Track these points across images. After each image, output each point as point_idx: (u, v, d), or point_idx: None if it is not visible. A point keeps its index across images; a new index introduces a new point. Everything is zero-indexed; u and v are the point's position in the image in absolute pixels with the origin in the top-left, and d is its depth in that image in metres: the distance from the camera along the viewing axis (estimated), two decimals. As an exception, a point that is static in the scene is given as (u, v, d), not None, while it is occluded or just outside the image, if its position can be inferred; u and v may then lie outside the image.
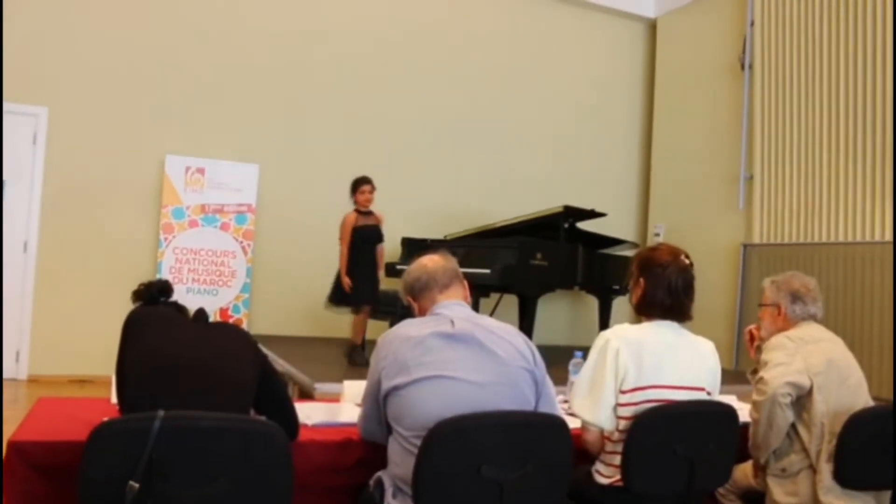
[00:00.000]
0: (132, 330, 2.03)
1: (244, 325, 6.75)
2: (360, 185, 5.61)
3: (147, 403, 1.74)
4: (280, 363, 5.31)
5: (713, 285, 7.11)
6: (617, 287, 7.06)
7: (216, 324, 2.20)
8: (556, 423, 2.08)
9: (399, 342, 2.17)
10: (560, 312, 8.14)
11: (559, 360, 5.97)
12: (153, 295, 2.25)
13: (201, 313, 2.26)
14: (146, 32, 6.71)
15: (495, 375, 2.12)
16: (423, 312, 2.36)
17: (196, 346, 2.00)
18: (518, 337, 2.26)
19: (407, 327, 2.22)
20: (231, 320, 6.68)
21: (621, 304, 7.71)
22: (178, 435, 1.63)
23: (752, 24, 7.25)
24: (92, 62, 6.53)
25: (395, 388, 2.11)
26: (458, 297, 2.33)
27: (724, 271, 7.29)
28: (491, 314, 6.71)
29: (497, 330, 2.23)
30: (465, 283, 2.41)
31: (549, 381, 2.29)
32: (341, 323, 6.82)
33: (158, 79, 6.75)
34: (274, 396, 2.17)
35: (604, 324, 7.32)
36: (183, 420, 1.65)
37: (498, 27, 8.06)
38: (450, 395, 2.05)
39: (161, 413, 1.62)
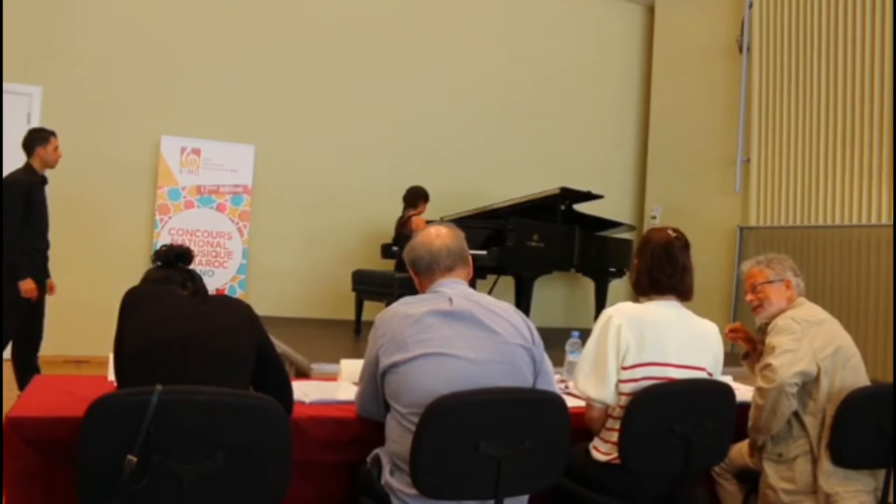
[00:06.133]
0: (130, 307, 2.02)
1: (240, 307, 6.74)
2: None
3: (145, 380, 1.74)
4: (277, 344, 5.31)
5: (709, 268, 7.10)
6: (613, 269, 7.07)
7: (215, 297, 2.19)
8: (554, 400, 2.08)
9: (397, 320, 2.16)
10: (556, 295, 8.15)
11: (556, 343, 5.98)
12: (170, 259, 2.27)
13: (200, 287, 2.25)
14: (142, 12, 6.66)
15: (493, 353, 2.12)
16: (422, 289, 2.36)
17: (194, 321, 1.99)
18: (516, 315, 2.25)
19: (405, 305, 2.21)
20: (227, 301, 6.67)
21: (617, 287, 7.74)
22: (175, 409, 1.63)
23: (751, 6, 7.21)
24: (87, 41, 6.48)
25: (393, 366, 2.10)
26: (460, 277, 2.32)
27: (720, 254, 7.29)
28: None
29: (495, 308, 2.23)
30: (470, 262, 2.39)
31: (547, 360, 2.29)
32: (337, 304, 6.84)
33: (154, 59, 6.70)
34: (270, 371, 2.17)
35: (600, 306, 7.33)
36: (181, 394, 1.64)
37: (495, 9, 8.01)
38: (448, 373, 2.05)
39: (159, 387, 1.61)
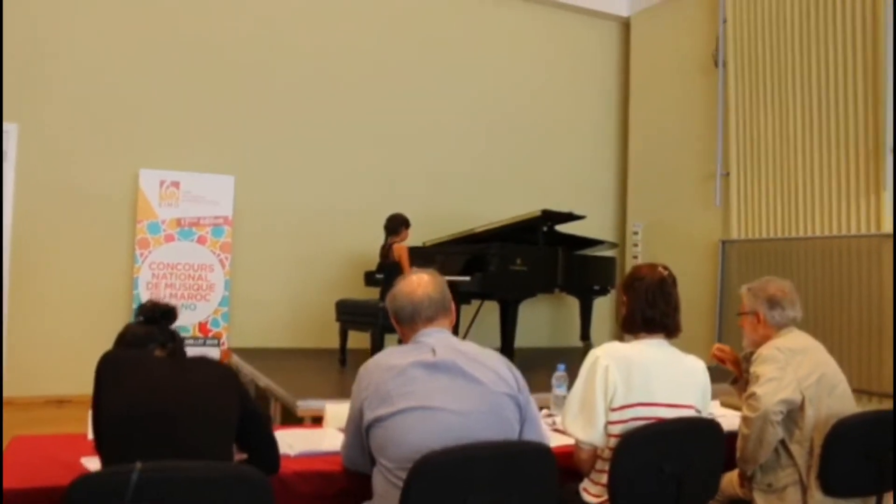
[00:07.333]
0: (105, 376, 1.98)
1: (224, 339, 6.69)
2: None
3: (125, 452, 1.71)
4: (261, 378, 5.27)
5: (693, 282, 7.11)
6: (597, 287, 7.09)
7: (194, 359, 2.16)
8: (541, 451, 2.06)
9: (380, 372, 2.14)
10: (541, 314, 8.13)
11: (542, 363, 5.97)
12: (155, 316, 2.24)
13: (179, 347, 2.22)
14: (116, 46, 6.62)
15: (478, 403, 2.10)
16: (405, 339, 2.34)
17: (173, 387, 1.96)
18: (500, 363, 2.24)
19: (388, 356, 2.19)
20: (210, 334, 6.62)
21: (601, 305, 7.75)
22: (156, 486, 1.59)
23: (725, 21, 7.28)
24: (62, 77, 6.43)
25: (378, 420, 2.08)
26: (442, 326, 2.30)
27: (703, 267, 7.31)
28: (472, 321, 6.72)
29: (479, 357, 2.21)
30: (453, 309, 2.37)
31: (533, 405, 2.28)
32: (322, 332, 6.80)
33: (130, 92, 6.65)
34: (255, 432, 2.14)
35: (585, 324, 7.36)
36: (160, 472, 1.61)
37: (471, 29, 8.03)
38: (433, 427, 2.03)
39: (138, 465, 1.58)
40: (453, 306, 2.37)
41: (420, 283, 2.30)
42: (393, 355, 2.19)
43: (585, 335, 7.32)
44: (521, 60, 8.28)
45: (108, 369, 1.98)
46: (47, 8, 6.40)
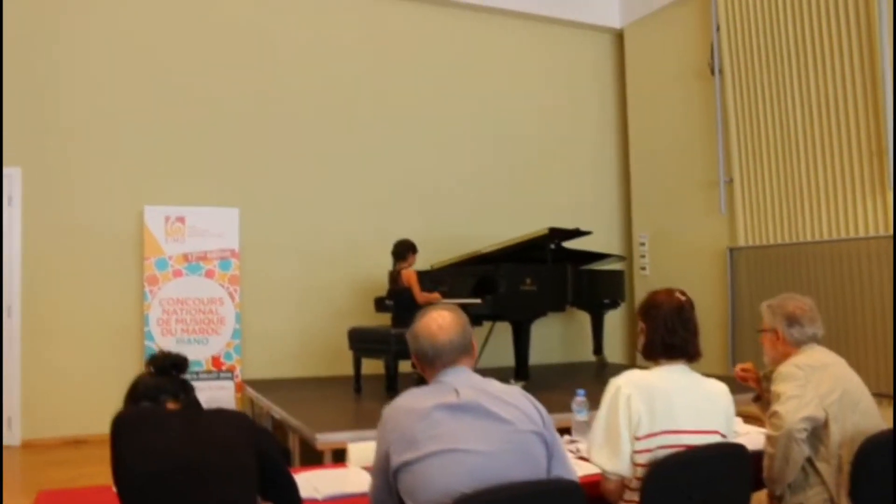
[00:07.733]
0: (119, 436, 1.97)
1: (237, 372, 6.68)
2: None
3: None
4: (277, 411, 5.26)
5: (702, 290, 7.09)
6: (607, 301, 7.08)
7: (209, 411, 2.15)
8: (570, 488, 2.05)
9: (404, 415, 2.13)
10: (552, 330, 8.10)
11: (557, 383, 5.97)
12: (166, 367, 2.22)
13: (192, 400, 2.21)
14: (114, 86, 6.65)
15: (505, 442, 2.09)
16: (426, 376, 2.33)
17: (188, 444, 1.95)
18: (524, 400, 2.22)
19: (411, 399, 2.18)
20: (224, 368, 6.62)
21: (612, 318, 7.73)
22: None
23: (718, 28, 7.29)
24: (62, 119, 6.47)
25: (406, 464, 2.06)
26: (463, 365, 2.29)
27: (712, 276, 7.30)
28: (484, 342, 6.70)
29: (503, 395, 2.19)
30: (475, 347, 2.34)
31: (559, 440, 2.26)
32: (335, 360, 6.79)
33: (131, 130, 6.69)
34: (275, 479, 2.13)
35: (597, 339, 7.35)
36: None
37: (468, 50, 8.05)
38: (461, 469, 2.01)
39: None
40: (475, 344, 2.36)
41: (441, 327, 2.26)
42: (416, 398, 2.18)
43: (598, 349, 7.31)
44: (518, 78, 8.30)
45: (122, 428, 1.97)
46: (45, 50, 6.44)
